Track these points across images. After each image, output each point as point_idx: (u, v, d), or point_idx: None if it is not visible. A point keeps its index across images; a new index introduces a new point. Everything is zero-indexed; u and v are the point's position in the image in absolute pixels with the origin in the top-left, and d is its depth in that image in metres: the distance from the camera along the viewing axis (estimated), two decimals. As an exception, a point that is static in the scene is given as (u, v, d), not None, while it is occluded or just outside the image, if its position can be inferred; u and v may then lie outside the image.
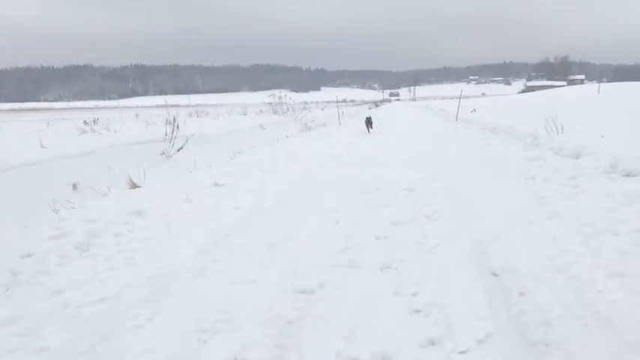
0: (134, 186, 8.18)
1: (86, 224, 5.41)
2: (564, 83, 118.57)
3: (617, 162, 7.25)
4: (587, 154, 8.56)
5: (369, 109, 57.87)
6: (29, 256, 4.50)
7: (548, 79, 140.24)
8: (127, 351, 3.03)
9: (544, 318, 3.19)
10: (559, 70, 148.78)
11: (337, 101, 36.66)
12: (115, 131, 13.51)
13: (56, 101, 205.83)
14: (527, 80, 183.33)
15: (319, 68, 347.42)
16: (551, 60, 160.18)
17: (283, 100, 28.93)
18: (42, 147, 9.33)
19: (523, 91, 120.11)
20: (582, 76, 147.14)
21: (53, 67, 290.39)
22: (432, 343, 2.99)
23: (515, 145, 11.79)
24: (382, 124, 23.14)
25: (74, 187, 7.94)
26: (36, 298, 3.76)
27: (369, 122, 19.48)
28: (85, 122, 15.63)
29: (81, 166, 8.77)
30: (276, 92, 30.47)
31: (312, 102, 48.53)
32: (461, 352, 2.88)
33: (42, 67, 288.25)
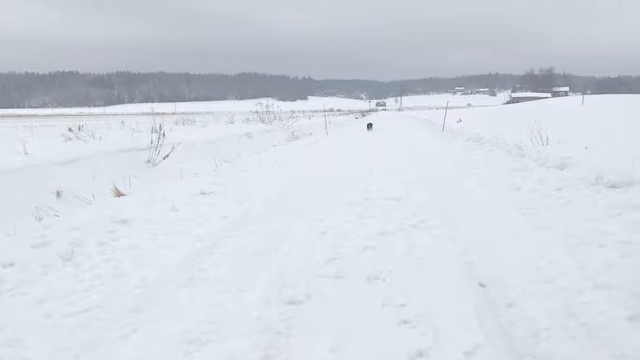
0: (119, 194, 8.10)
1: (70, 232, 5.34)
2: (549, 95, 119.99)
3: (601, 174, 7.32)
4: (572, 165, 8.64)
5: (356, 118, 58.73)
6: (12, 265, 4.43)
7: (533, 91, 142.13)
8: (112, 362, 2.98)
9: (532, 329, 3.19)
10: (544, 81, 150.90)
11: (324, 110, 36.79)
12: (100, 138, 13.39)
13: (41, 108, 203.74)
14: (513, 92, 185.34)
15: (306, 77, 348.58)
16: (536, 72, 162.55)
17: (270, 109, 28.92)
18: (25, 153, 9.21)
19: (508, 102, 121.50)
20: (566, 88, 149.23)
21: (38, 74, 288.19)
22: (421, 354, 2.97)
23: (500, 156, 11.89)
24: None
25: (58, 194, 7.83)
26: (19, 307, 3.69)
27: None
28: (70, 129, 15.44)
29: (65, 173, 8.66)
30: (263, 101, 30.50)
31: (299, 111, 48.57)
32: (449, 364, 2.87)
33: (26, 73, 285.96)
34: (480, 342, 3.06)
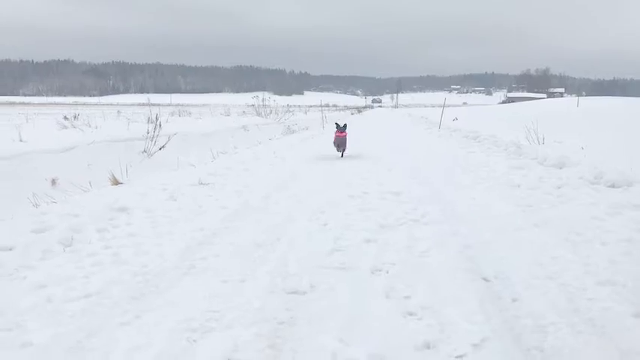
0: (116, 182, 8.04)
1: (69, 218, 5.31)
2: (544, 95, 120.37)
3: (601, 173, 7.33)
4: (571, 164, 8.65)
5: (352, 114, 57.24)
6: (10, 249, 4.38)
7: (528, 91, 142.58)
8: (115, 348, 2.93)
9: (538, 324, 3.17)
10: (539, 82, 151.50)
11: (321, 106, 36.83)
12: (96, 127, 13.30)
13: (35, 96, 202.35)
14: (508, 91, 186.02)
15: (303, 72, 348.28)
16: (532, 72, 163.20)
17: (266, 103, 28.87)
18: (21, 141, 9.13)
19: (504, 102, 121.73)
20: (562, 89, 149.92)
21: (33, 62, 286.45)
22: (428, 346, 2.94)
23: (498, 154, 11.88)
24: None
25: (53, 182, 7.76)
26: (19, 292, 3.65)
27: (339, 147, 12.78)
28: (66, 117, 15.36)
29: (61, 161, 8.58)
30: (260, 94, 30.47)
31: (295, 105, 48.48)
32: (458, 357, 2.84)
33: (21, 60, 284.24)
34: (487, 335, 3.04)
